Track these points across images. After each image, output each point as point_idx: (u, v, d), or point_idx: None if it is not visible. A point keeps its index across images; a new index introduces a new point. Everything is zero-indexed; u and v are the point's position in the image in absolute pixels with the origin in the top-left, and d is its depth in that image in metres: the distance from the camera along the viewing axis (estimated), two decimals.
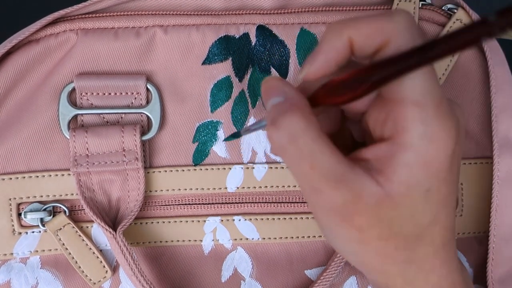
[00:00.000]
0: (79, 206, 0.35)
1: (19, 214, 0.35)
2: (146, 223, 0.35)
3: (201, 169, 0.35)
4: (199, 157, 0.35)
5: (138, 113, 0.34)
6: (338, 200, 0.23)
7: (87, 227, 0.35)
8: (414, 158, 0.23)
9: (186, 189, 0.35)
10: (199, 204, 0.36)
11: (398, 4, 0.34)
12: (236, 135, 0.31)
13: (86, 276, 0.34)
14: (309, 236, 0.36)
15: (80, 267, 0.34)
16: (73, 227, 0.34)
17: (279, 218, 0.36)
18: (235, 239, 0.36)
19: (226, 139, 0.35)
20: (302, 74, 0.25)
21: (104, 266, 0.35)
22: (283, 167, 0.35)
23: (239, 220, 0.36)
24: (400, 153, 0.23)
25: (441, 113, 0.23)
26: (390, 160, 0.23)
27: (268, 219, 0.36)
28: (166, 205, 0.35)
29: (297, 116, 0.23)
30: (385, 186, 0.23)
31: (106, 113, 0.34)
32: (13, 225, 0.35)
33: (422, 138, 0.23)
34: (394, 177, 0.23)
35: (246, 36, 0.34)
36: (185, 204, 0.35)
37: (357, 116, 0.27)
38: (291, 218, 0.36)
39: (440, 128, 0.23)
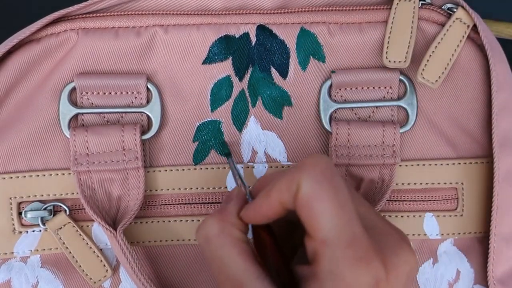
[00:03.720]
0: (79, 205, 0.35)
1: (20, 213, 0.35)
2: (146, 222, 0.35)
3: (201, 169, 0.35)
4: (199, 156, 0.35)
5: (138, 112, 0.34)
6: None
7: (88, 226, 0.35)
8: None
9: (186, 189, 0.35)
10: (199, 203, 0.36)
11: (397, 3, 0.34)
12: (226, 154, 0.34)
13: (87, 275, 0.34)
14: None
15: (80, 266, 0.34)
16: (74, 226, 0.34)
17: None
18: None
19: (222, 150, 0.35)
20: (244, 211, 0.27)
21: (104, 265, 0.35)
22: (283, 166, 0.35)
23: None
24: (313, 282, 0.24)
25: (352, 254, 0.23)
26: (308, 284, 0.24)
27: None
28: (166, 204, 0.35)
29: (213, 221, 0.26)
30: None
31: (107, 113, 0.34)
32: (13, 224, 0.35)
33: (329, 276, 0.23)
34: None
35: (246, 35, 0.35)
36: (185, 203, 0.35)
37: None
38: None
39: (348, 269, 0.23)
